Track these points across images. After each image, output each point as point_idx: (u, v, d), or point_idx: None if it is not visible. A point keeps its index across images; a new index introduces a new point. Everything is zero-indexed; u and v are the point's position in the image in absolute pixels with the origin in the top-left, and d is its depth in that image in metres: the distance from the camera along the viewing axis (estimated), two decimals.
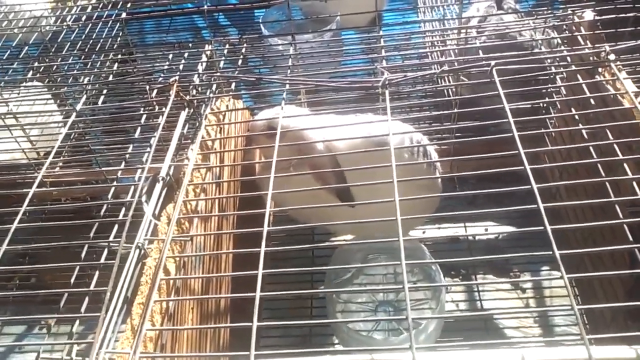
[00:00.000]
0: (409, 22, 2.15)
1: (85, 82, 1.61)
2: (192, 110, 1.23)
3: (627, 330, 0.75)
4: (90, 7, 1.83)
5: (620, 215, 1.01)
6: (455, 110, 1.45)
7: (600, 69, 1.20)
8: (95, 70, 1.73)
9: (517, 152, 0.92)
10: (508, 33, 1.57)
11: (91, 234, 1.33)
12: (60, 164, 1.74)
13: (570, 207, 1.44)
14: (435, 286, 1.47)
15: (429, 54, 1.99)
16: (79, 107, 1.28)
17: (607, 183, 1.09)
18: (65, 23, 1.74)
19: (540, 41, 1.57)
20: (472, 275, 1.73)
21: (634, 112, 1.05)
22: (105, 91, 1.57)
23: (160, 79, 1.39)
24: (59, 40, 1.80)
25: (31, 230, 1.18)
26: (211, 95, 1.31)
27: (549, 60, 1.45)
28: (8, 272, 1.69)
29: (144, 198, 1.02)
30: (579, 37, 1.34)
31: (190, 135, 1.23)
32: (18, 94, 1.59)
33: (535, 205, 0.83)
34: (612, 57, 1.16)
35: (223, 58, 1.49)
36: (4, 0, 1.84)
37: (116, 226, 1.08)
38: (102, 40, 1.93)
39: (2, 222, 1.02)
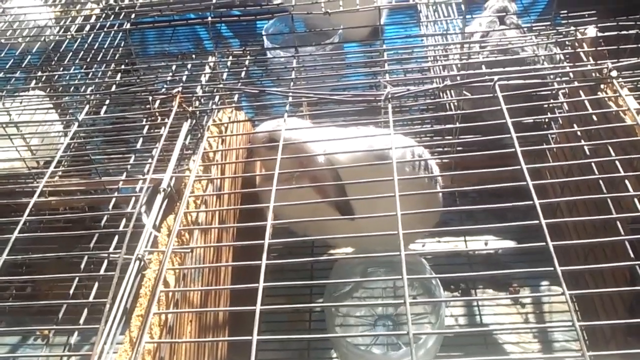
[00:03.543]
0: (412, 36, 2.16)
1: (87, 91, 1.61)
2: (194, 121, 1.23)
3: (627, 347, 0.75)
4: (93, 17, 1.83)
5: (622, 232, 1.01)
6: (457, 125, 1.45)
7: (602, 86, 1.21)
8: (98, 80, 1.73)
9: (519, 167, 0.92)
10: (510, 48, 1.57)
11: (91, 245, 1.33)
12: (60, 173, 1.74)
13: (571, 222, 1.44)
14: (435, 301, 1.47)
15: (431, 68, 2.00)
16: (81, 117, 1.28)
17: (608, 199, 1.09)
18: (68, 33, 1.75)
19: (542, 57, 1.58)
20: (472, 289, 1.72)
21: (636, 129, 1.05)
22: (107, 101, 1.57)
23: (163, 89, 1.39)
24: (61, 49, 1.80)
25: (29, 239, 1.18)
26: (213, 106, 1.31)
27: (551, 76, 1.45)
28: (4, 282, 1.68)
29: (144, 209, 1.02)
30: (581, 54, 1.34)
31: (192, 146, 1.22)
32: (20, 103, 1.59)
33: (537, 221, 0.83)
34: (614, 73, 1.16)
35: (226, 70, 1.50)
36: (8, 10, 1.84)
37: (116, 237, 1.08)
38: (104, 50, 1.93)
39: (0, 232, 1.01)
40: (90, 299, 1.03)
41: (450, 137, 1.69)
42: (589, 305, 1.38)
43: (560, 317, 1.59)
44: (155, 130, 1.35)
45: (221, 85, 1.37)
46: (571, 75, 1.30)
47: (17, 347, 1.70)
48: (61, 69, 1.72)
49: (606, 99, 1.18)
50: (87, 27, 1.79)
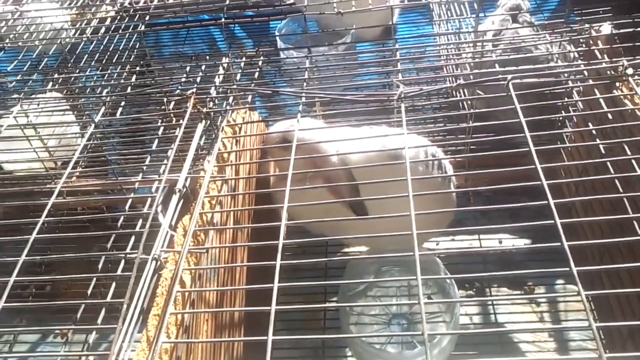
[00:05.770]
0: (424, 35, 2.15)
1: (103, 93, 1.63)
2: (208, 122, 1.24)
3: None
4: (108, 19, 1.85)
5: (638, 232, 1.00)
6: (470, 124, 1.45)
7: (617, 84, 1.20)
8: (113, 81, 1.74)
9: (533, 166, 0.92)
10: (524, 47, 1.56)
11: (108, 245, 1.35)
12: (78, 174, 1.76)
13: (586, 222, 1.43)
14: (450, 302, 1.47)
15: (444, 66, 1.99)
16: (97, 118, 1.30)
17: (624, 199, 1.08)
18: (84, 35, 1.77)
19: (556, 55, 1.57)
20: (486, 288, 1.71)
21: None
22: (122, 103, 1.59)
23: (178, 90, 1.40)
24: (77, 51, 1.82)
25: (48, 238, 1.19)
26: (227, 107, 1.32)
27: (565, 74, 1.44)
28: (25, 281, 1.70)
29: (160, 209, 1.03)
30: (596, 51, 1.33)
31: (206, 147, 1.23)
32: (37, 104, 1.61)
33: (552, 221, 0.83)
34: (630, 71, 1.15)
35: (240, 70, 1.50)
36: (25, 13, 1.87)
37: (133, 237, 1.09)
38: (119, 51, 1.95)
39: (18, 232, 1.03)
40: (108, 299, 1.04)
41: (464, 137, 1.68)
42: (604, 304, 1.37)
43: (576, 315, 1.58)
44: (171, 131, 1.37)
45: (235, 86, 1.38)
46: (586, 73, 1.29)
47: (37, 345, 1.73)
48: (77, 71, 1.73)
49: (622, 97, 1.17)
50: (103, 29, 1.81)
